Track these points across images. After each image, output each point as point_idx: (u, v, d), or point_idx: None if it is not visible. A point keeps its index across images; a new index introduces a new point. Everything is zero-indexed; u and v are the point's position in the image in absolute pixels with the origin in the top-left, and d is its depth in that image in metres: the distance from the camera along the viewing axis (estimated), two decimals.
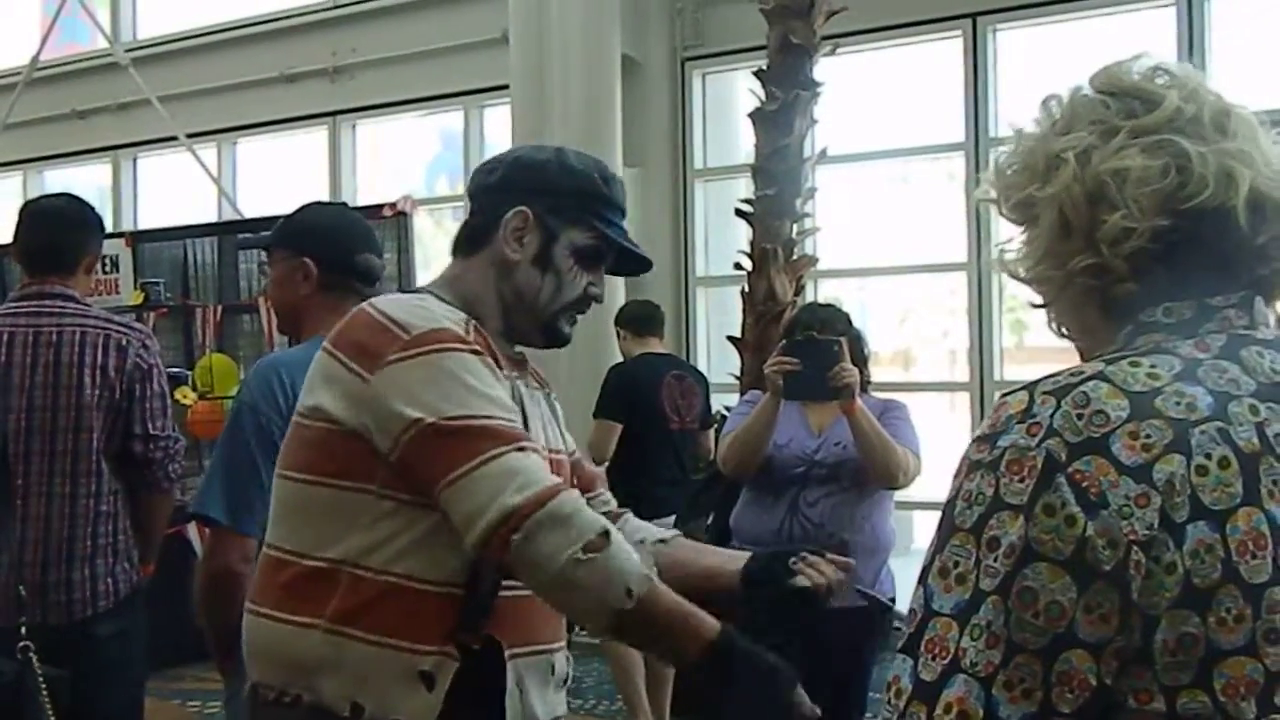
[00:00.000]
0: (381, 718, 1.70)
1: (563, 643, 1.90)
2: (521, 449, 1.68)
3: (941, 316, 7.52)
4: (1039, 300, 1.26)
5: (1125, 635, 1.04)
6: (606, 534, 1.64)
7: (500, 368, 1.79)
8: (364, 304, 1.82)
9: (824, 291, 6.99)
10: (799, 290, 6.19)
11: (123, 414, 3.06)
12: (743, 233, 6.38)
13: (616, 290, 6.76)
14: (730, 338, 6.37)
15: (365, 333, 1.75)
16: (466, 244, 1.92)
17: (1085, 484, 1.04)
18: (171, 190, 9.79)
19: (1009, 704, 1.03)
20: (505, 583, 1.74)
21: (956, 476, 1.12)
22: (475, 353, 1.74)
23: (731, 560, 2.00)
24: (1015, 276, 1.25)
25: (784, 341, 3.41)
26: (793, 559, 1.91)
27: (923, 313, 7.73)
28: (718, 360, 7.13)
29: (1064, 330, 1.26)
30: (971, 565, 1.07)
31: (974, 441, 1.12)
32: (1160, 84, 1.18)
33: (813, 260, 6.33)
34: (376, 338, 1.73)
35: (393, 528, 1.72)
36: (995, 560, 1.05)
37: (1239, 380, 1.11)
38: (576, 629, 2.51)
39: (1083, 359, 1.24)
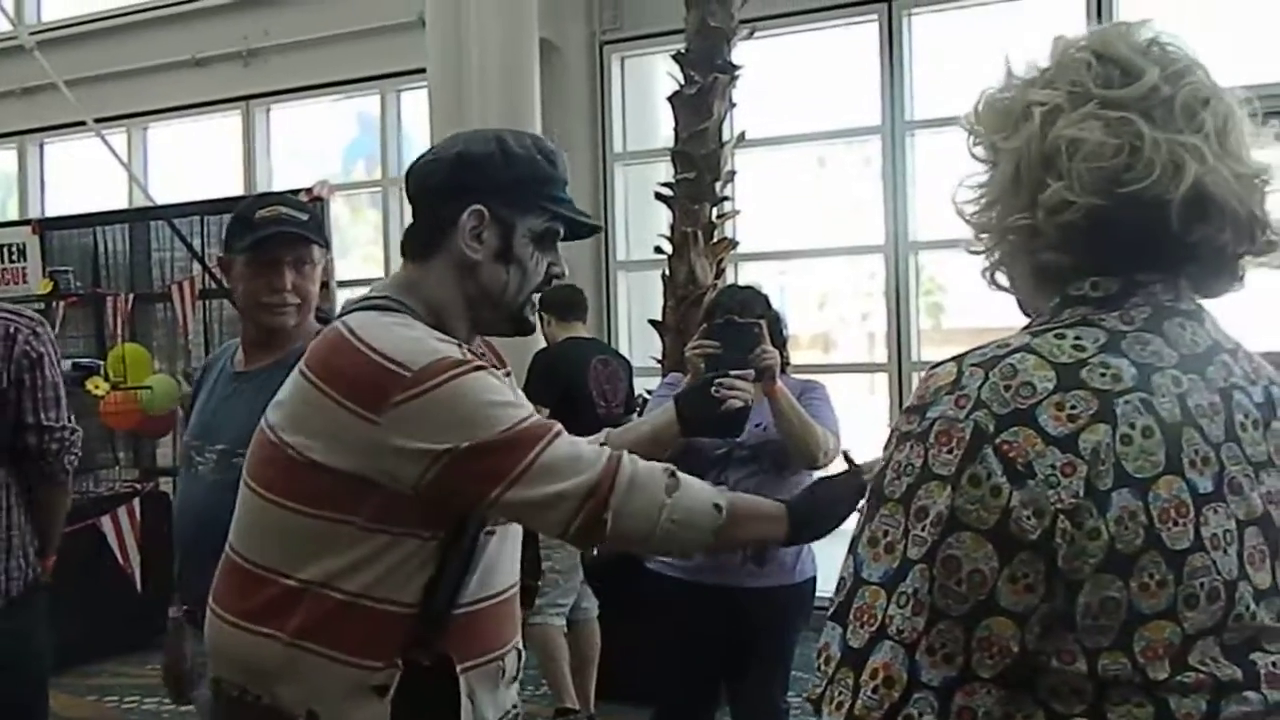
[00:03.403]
0: None
1: (514, 641, 1.95)
2: (558, 434, 1.74)
3: (860, 299, 7.59)
4: (977, 247, 1.26)
5: (1050, 600, 1.06)
6: (673, 473, 1.75)
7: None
8: (344, 331, 1.78)
9: (744, 275, 7.01)
10: (719, 273, 6.21)
11: (11, 404, 2.94)
12: (663, 216, 6.39)
13: None
14: (651, 321, 6.38)
15: (361, 370, 1.73)
16: (420, 248, 1.90)
17: (1012, 454, 1.06)
18: (80, 177, 9.57)
19: (930, 668, 1.05)
20: (460, 600, 1.81)
21: (886, 448, 1.13)
22: (478, 369, 1.76)
23: (661, 418, 2.16)
24: (960, 215, 1.25)
25: (704, 325, 3.42)
26: (713, 388, 2.12)
27: (842, 296, 7.79)
28: (639, 343, 7.13)
29: (997, 280, 1.27)
30: (900, 535, 1.08)
31: (903, 413, 1.14)
32: (1149, 58, 1.17)
33: (733, 243, 6.36)
34: (377, 377, 1.71)
35: (368, 554, 1.75)
36: (923, 529, 1.07)
37: (1161, 352, 1.13)
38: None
39: (1022, 311, 1.26)
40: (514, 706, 1.96)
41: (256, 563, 1.82)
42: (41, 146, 10.00)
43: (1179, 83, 1.15)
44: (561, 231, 1.93)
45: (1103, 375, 1.10)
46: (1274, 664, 1.12)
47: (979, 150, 1.23)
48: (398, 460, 1.71)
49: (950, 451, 1.08)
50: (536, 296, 1.93)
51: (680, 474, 1.78)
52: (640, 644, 3.68)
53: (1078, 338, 1.13)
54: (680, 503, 1.73)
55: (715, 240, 6.19)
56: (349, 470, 1.73)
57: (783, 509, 1.85)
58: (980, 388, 1.09)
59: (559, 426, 1.77)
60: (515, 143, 1.89)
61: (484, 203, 1.84)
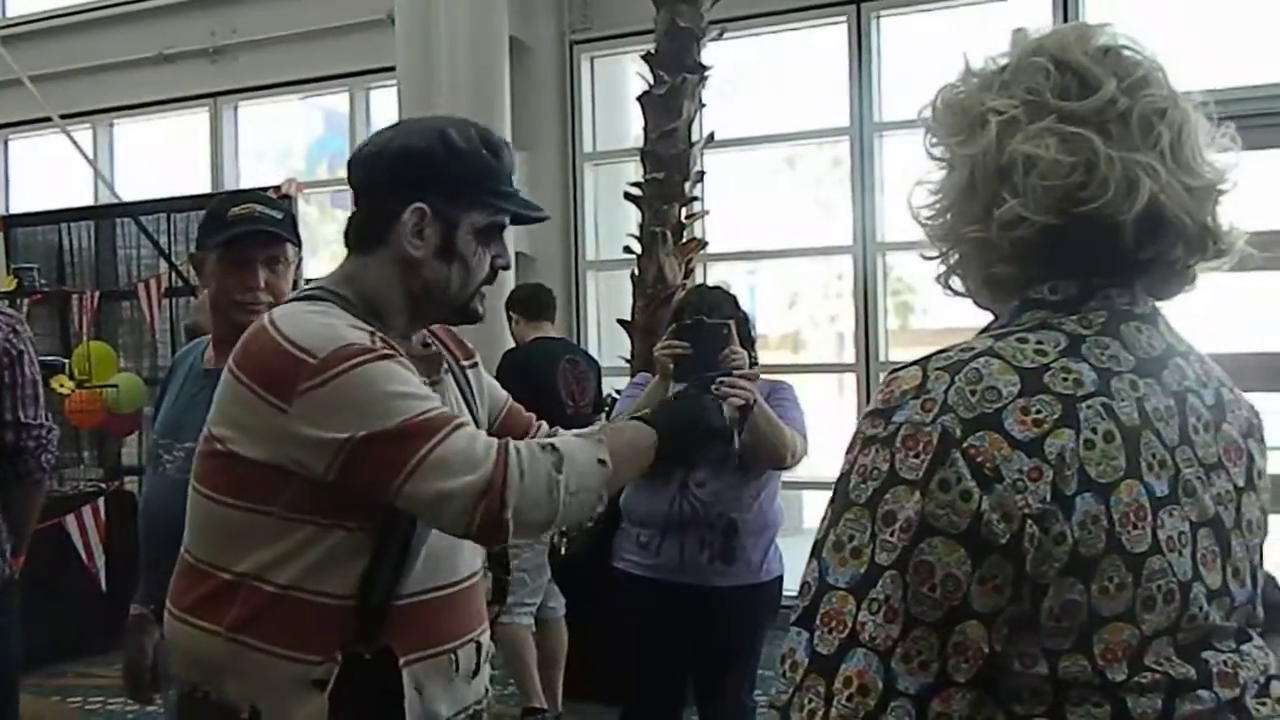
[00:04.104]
0: None
1: (471, 634, 1.91)
2: (457, 428, 1.70)
3: (829, 300, 7.62)
4: (931, 252, 1.26)
5: (1017, 603, 1.07)
6: (552, 448, 1.72)
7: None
8: (265, 322, 1.79)
9: (713, 275, 7.03)
10: (688, 273, 6.22)
11: None
12: (632, 216, 6.40)
13: (507, 275, 6.73)
14: (620, 321, 6.38)
15: (273, 359, 1.73)
16: (361, 241, 1.88)
17: (980, 459, 1.06)
18: (46, 173, 9.49)
19: (907, 676, 1.05)
20: (401, 591, 1.78)
21: (849, 451, 1.12)
22: (384, 357, 1.72)
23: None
24: (915, 219, 1.25)
25: (673, 325, 3.43)
26: (714, 386, 2.12)
27: (811, 296, 7.82)
28: (608, 343, 7.14)
29: (951, 285, 1.27)
30: (867, 539, 1.07)
31: (866, 416, 1.13)
32: (1106, 67, 1.16)
33: (702, 243, 6.37)
34: (285, 366, 1.71)
35: (294, 545, 1.75)
36: (892, 535, 1.06)
37: (1119, 356, 1.14)
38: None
39: (978, 306, 1.27)
40: (476, 702, 1.93)
41: (199, 557, 1.83)
42: (6, 142, 9.90)
43: (1137, 94, 1.15)
44: (506, 223, 1.91)
45: (1064, 380, 1.10)
46: (1225, 662, 1.13)
47: (936, 150, 1.23)
48: (305, 450, 1.70)
49: (918, 456, 1.07)
50: (485, 288, 1.91)
51: (555, 442, 1.76)
52: (608, 643, 3.68)
53: (1039, 342, 1.13)
54: (571, 472, 1.71)
55: (684, 240, 6.20)
56: (263, 460, 1.73)
57: (652, 436, 1.86)
58: (946, 391, 1.09)
59: (462, 419, 1.74)
60: (459, 136, 1.85)
61: (426, 200, 1.82)
